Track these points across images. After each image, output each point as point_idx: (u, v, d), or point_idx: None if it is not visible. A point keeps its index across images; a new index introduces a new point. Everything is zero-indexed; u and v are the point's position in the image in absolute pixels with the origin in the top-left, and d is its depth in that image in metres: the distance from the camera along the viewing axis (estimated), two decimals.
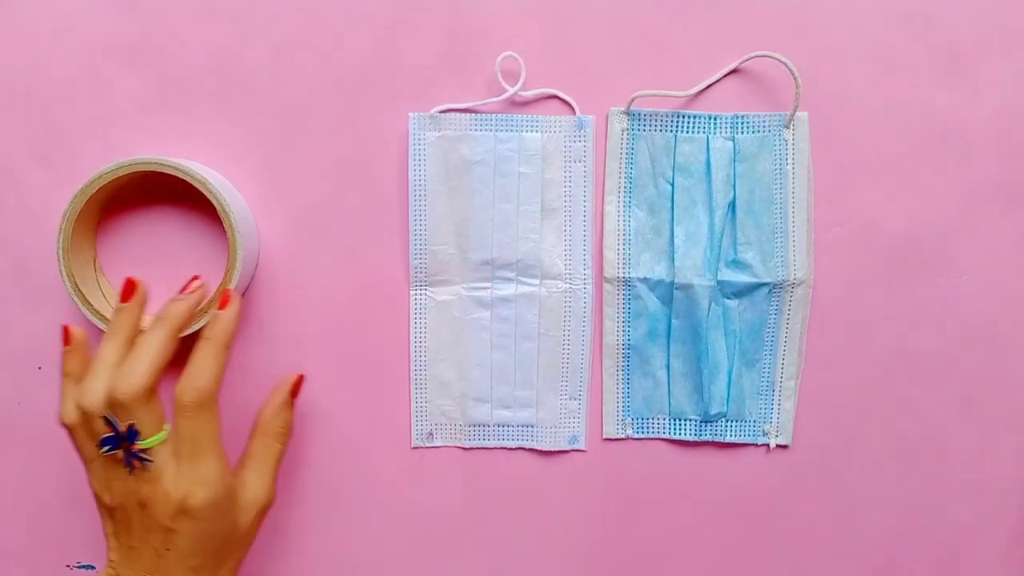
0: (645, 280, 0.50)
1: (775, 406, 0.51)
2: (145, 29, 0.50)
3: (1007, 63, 0.49)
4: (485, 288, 0.50)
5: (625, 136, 0.50)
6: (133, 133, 0.50)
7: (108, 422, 0.40)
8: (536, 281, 0.50)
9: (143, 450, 0.40)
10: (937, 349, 0.51)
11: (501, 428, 0.51)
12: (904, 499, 0.51)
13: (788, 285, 0.49)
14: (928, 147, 0.50)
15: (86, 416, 0.41)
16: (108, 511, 0.42)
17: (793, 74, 0.47)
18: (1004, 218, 0.50)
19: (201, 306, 0.45)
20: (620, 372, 0.51)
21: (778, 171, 0.49)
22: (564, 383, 0.50)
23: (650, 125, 0.50)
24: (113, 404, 0.40)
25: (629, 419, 0.51)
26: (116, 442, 0.40)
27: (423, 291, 0.50)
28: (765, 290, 0.49)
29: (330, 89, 0.50)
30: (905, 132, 0.50)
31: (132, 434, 0.40)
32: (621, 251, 0.50)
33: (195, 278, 0.45)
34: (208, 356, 0.42)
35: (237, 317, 0.44)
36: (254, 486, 0.44)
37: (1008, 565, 0.51)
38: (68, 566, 0.51)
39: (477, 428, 0.51)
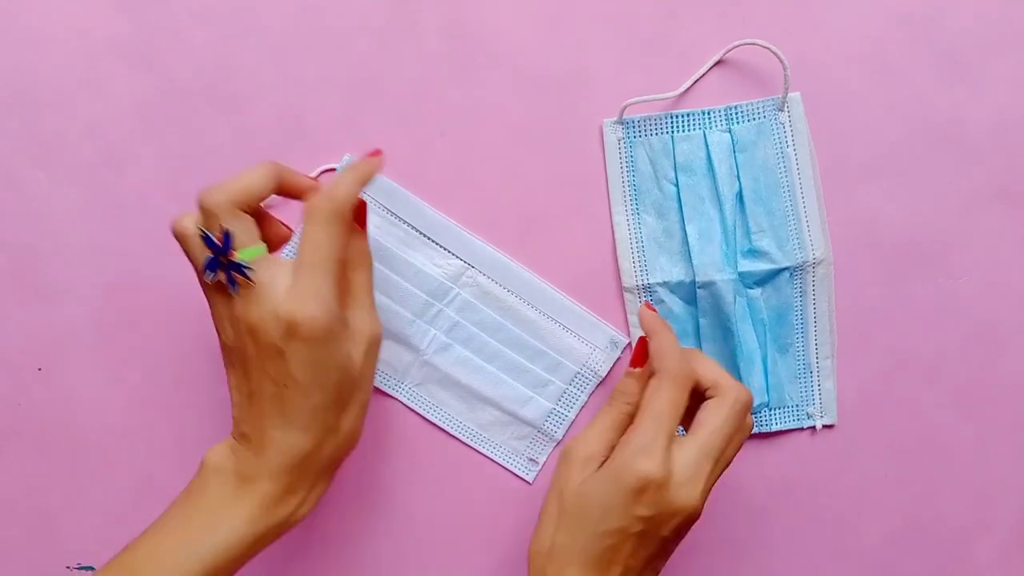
0: (665, 284, 0.50)
1: (815, 387, 0.50)
2: (145, 29, 0.50)
3: (1007, 63, 0.49)
4: None
5: (622, 145, 0.50)
6: (133, 133, 0.50)
7: (204, 238, 0.39)
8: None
9: (243, 264, 0.39)
10: (937, 349, 0.51)
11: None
12: (904, 499, 0.51)
13: (808, 266, 0.49)
14: (928, 147, 0.50)
15: (183, 243, 0.40)
16: (228, 355, 0.41)
17: (778, 56, 0.47)
18: (1004, 218, 0.50)
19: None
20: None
21: (779, 155, 0.49)
22: None
23: (645, 130, 0.50)
24: (204, 214, 0.39)
25: None
26: (216, 261, 0.39)
27: None
28: (786, 274, 0.49)
29: (330, 90, 0.50)
30: (905, 132, 0.50)
31: (226, 240, 0.38)
32: (636, 259, 0.50)
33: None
34: (348, 179, 0.41)
35: (378, 164, 0.43)
36: (360, 319, 0.42)
37: (1008, 565, 0.51)
38: (68, 567, 0.51)
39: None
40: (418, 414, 0.51)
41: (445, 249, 0.50)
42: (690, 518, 0.40)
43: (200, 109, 0.50)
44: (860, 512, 0.51)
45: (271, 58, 0.50)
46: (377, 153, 0.43)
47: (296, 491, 0.41)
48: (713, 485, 0.41)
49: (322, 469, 0.42)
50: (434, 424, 0.51)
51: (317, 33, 0.50)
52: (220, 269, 0.39)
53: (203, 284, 0.41)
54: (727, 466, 0.42)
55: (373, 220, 0.50)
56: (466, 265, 0.50)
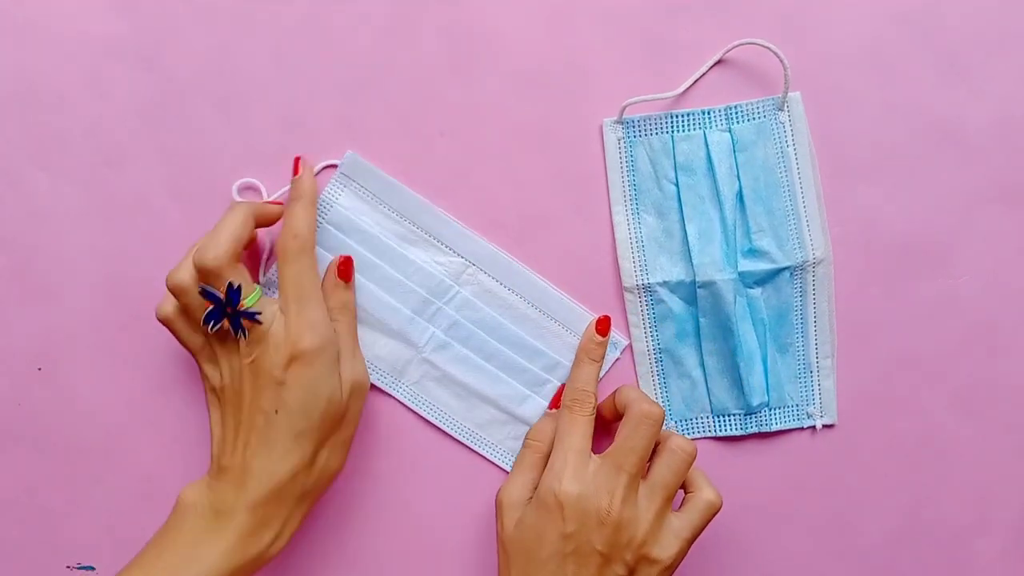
0: (665, 283, 0.50)
1: (815, 387, 0.51)
2: (145, 29, 0.50)
3: (1007, 63, 0.50)
4: None
5: (622, 145, 0.50)
6: (133, 133, 0.50)
7: (206, 294, 0.41)
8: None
9: (249, 310, 0.41)
10: (937, 349, 0.51)
11: None
12: (904, 499, 0.51)
13: (808, 265, 0.49)
14: (928, 147, 0.50)
15: (181, 297, 0.42)
16: (218, 396, 0.44)
17: (778, 56, 0.47)
18: (1004, 218, 0.50)
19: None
20: (655, 377, 0.51)
21: (780, 154, 0.49)
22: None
23: (645, 130, 0.50)
24: (205, 273, 0.41)
25: (672, 422, 0.51)
26: (219, 313, 0.41)
27: None
28: (786, 274, 0.49)
29: (330, 90, 0.50)
30: (905, 132, 0.50)
31: (234, 294, 0.41)
32: (636, 259, 0.50)
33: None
34: (300, 210, 0.45)
35: (313, 176, 0.47)
36: (346, 365, 0.44)
37: (1008, 565, 0.51)
38: (68, 566, 0.51)
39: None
40: (415, 412, 0.51)
41: (446, 246, 0.50)
42: (616, 526, 0.43)
43: (200, 109, 0.50)
44: (860, 512, 0.51)
45: (271, 58, 0.50)
46: (296, 165, 0.47)
47: (270, 524, 0.43)
48: (633, 494, 0.44)
49: (296, 502, 0.43)
50: (431, 423, 0.51)
51: (317, 33, 0.50)
52: (225, 319, 0.41)
53: (184, 340, 0.44)
54: (667, 488, 0.44)
55: (374, 217, 0.50)
56: (467, 263, 0.50)
